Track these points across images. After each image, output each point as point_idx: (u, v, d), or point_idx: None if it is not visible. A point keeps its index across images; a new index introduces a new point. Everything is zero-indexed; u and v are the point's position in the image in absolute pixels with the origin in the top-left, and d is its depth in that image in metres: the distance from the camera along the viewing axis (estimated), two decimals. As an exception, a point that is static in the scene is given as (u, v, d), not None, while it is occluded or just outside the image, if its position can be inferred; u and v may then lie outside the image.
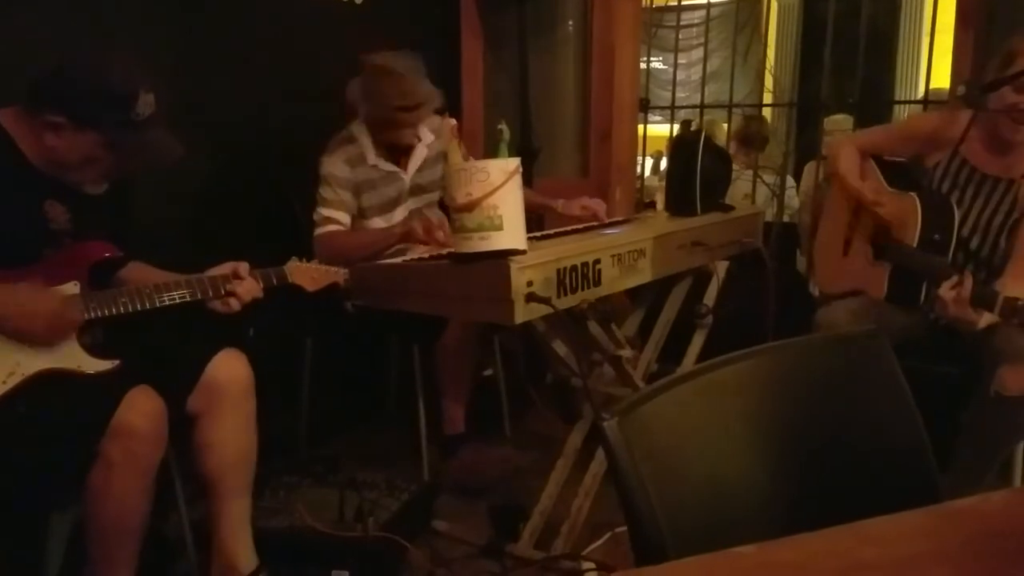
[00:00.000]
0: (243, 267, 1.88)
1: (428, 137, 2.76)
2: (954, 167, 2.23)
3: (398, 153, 2.69)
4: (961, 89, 2.13)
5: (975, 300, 1.85)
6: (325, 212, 2.59)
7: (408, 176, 2.71)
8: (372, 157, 2.64)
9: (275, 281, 1.94)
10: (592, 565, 2.12)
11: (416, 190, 2.72)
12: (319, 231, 2.59)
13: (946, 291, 1.86)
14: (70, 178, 1.77)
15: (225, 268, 1.86)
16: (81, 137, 1.70)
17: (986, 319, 1.87)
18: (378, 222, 2.67)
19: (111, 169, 1.79)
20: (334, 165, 2.60)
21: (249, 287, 1.86)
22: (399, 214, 2.70)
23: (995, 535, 0.77)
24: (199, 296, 1.81)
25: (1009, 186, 2.16)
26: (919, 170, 2.34)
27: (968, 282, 1.87)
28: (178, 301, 1.78)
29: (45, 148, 1.70)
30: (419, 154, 2.73)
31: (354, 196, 2.62)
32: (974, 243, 2.17)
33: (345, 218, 2.60)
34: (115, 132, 1.71)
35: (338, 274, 2.05)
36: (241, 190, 2.68)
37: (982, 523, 0.80)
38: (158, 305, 1.76)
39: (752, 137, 4.17)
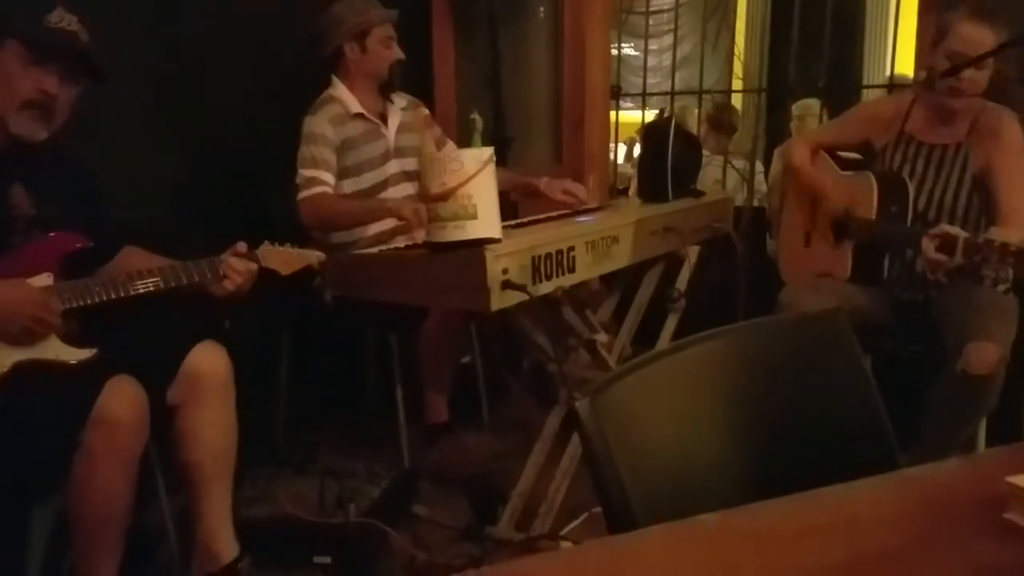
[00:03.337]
0: (241, 246, 1.89)
1: (401, 102, 2.79)
2: (902, 144, 2.32)
3: (377, 109, 2.72)
4: (922, 74, 2.19)
5: (941, 248, 1.90)
6: (309, 173, 2.54)
7: (391, 135, 2.72)
8: (356, 107, 2.64)
9: None
10: (570, 545, 2.15)
11: (399, 152, 2.73)
12: (305, 193, 2.53)
13: (933, 252, 1.91)
14: (8, 123, 1.72)
15: (227, 255, 1.87)
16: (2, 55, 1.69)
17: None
18: (363, 180, 2.66)
19: (38, 97, 1.73)
20: (318, 124, 2.57)
21: (238, 265, 1.85)
22: (390, 168, 2.71)
23: (945, 500, 0.81)
24: (172, 284, 1.81)
25: (957, 149, 2.25)
26: (870, 155, 2.41)
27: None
28: (152, 289, 1.78)
29: None
30: (395, 116, 2.75)
31: (337, 156, 2.60)
32: (932, 212, 2.25)
33: (330, 178, 2.56)
34: (30, 36, 1.70)
35: (311, 257, 2.04)
36: (211, 179, 2.67)
37: (933, 489, 0.84)
38: (132, 294, 1.75)
39: (722, 123, 4.21)
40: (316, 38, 2.69)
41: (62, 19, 1.73)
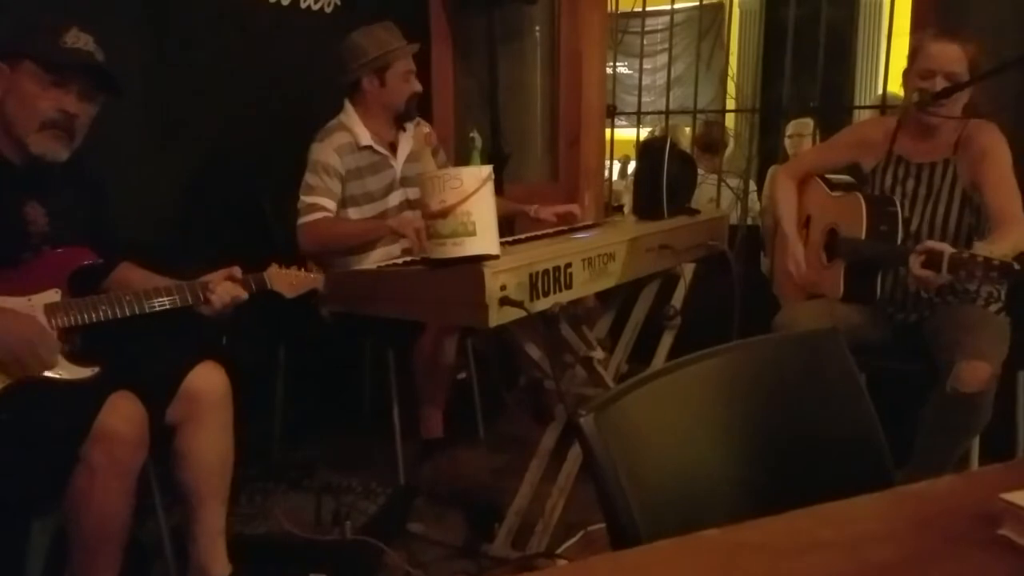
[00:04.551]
0: (236, 271, 1.90)
1: (411, 128, 2.80)
2: (892, 165, 2.35)
3: (388, 139, 2.72)
4: (915, 96, 2.23)
5: (928, 264, 1.91)
6: (310, 200, 2.54)
7: (399, 165, 2.73)
8: (366, 139, 2.64)
9: (254, 287, 1.95)
10: (566, 563, 2.16)
11: (405, 181, 2.73)
12: (304, 219, 2.53)
13: (919, 269, 1.92)
14: (22, 137, 1.74)
15: (218, 275, 1.88)
16: (16, 77, 1.71)
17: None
18: (366, 211, 2.66)
19: (58, 118, 1.75)
20: (324, 152, 2.57)
21: (224, 288, 1.86)
22: (393, 199, 2.71)
23: (941, 515, 0.82)
24: (178, 304, 1.83)
25: (946, 166, 2.28)
26: (860, 177, 2.45)
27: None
28: (157, 309, 1.80)
29: None
30: (405, 144, 2.76)
31: (342, 186, 2.60)
32: (924, 230, 2.28)
33: (331, 205, 2.56)
34: (46, 59, 1.72)
35: (317, 280, 2.07)
36: (216, 198, 2.69)
37: (930, 505, 0.86)
38: (138, 312, 1.77)
39: (713, 143, 4.25)
40: (334, 65, 2.68)
41: (78, 39, 1.75)
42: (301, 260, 2.11)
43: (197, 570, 1.90)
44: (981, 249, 1.87)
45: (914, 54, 2.24)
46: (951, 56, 2.16)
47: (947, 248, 1.88)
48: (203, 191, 2.68)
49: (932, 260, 1.89)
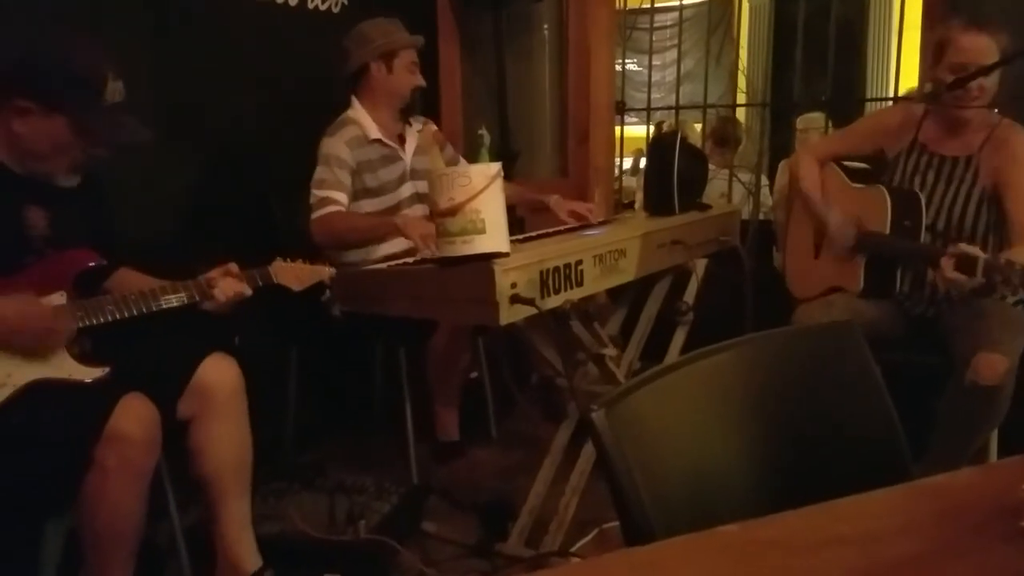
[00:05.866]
0: (233, 267, 1.89)
1: (418, 124, 2.81)
2: (915, 154, 2.32)
3: (396, 132, 2.74)
4: (928, 87, 2.20)
5: (960, 268, 1.87)
6: (322, 193, 2.55)
7: (408, 157, 2.74)
8: (375, 132, 2.66)
9: (260, 282, 1.95)
10: (580, 561, 2.15)
11: (414, 174, 2.74)
12: (317, 214, 2.53)
13: (951, 271, 1.89)
14: (40, 169, 1.77)
15: (216, 272, 1.87)
16: (49, 123, 1.71)
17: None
18: (383, 201, 2.67)
19: (81, 157, 1.79)
20: (335, 146, 2.58)
21: (227, 284, 1.85)
22: (405, 191, 2.72)
23: (959, 509, 0.81)
24: (184, 301, 1.82)
25: (968, 162, 2.24)
26: (881, 165, 2.42)
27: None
28: (164, 307, 1.80)
29: (13, 136, 1.71)
30: (412, 138, 2.77)
31: (353, 179, 2.61)
32: (940, 224, 2.25)
33: (343, 198, 2.56)
34: (83, 117, 1.72)
35: (323, 272, 2.05)
36: (222, 194, 2.69)
37: (948, 499, 0.84)
38: (145, 312, 1.77)
39: (727, 137, 4.23)
40: (341, 56, 2.70)
41: (115, 91, 1.76)
42: (308, 256, 2.09)
43: (227, 566, 1.89)
44: (1016, 255, 1.84)
45: (942, 47, 2.17)
46: (984, 48, 2.09)
47: (981, 253, 1.85)
48: (210, 191, 2.67)
49: (965, 264, 1.86)
